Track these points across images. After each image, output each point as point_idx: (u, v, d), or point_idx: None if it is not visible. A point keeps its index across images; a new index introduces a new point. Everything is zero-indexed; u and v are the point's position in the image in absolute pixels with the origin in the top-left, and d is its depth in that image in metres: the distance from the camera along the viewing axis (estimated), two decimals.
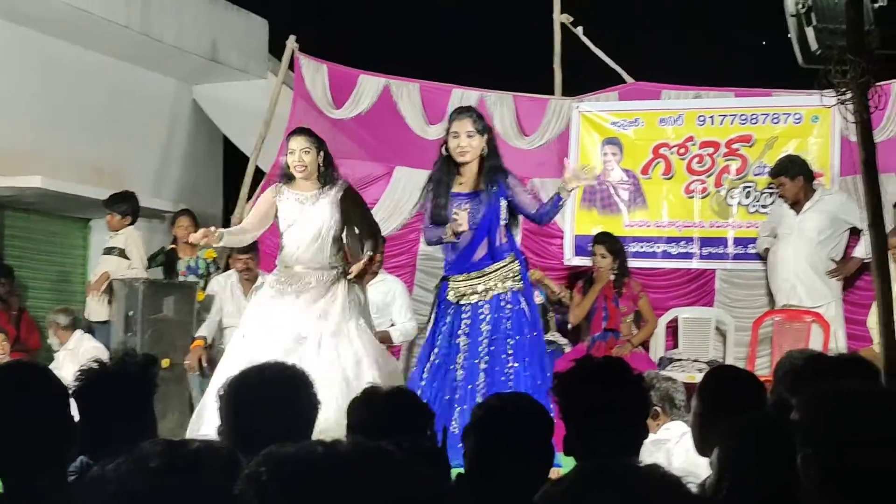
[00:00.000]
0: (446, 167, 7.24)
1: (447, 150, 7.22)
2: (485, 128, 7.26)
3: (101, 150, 11.84)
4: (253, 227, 7.65)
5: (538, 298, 7.44)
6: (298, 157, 7.38)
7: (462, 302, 7.17)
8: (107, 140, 11.90)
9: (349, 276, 7.35)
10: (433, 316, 7.39)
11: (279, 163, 10.91)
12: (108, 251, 10.48)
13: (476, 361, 6.99)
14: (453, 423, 6.68)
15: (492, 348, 7.02)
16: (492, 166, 7.19)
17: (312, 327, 7.20)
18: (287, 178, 7.52)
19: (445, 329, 7.19)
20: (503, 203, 7.17)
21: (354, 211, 7.55)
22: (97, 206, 10.90)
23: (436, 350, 7.19)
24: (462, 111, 7.43)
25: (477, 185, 7.21)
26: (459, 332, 7.16)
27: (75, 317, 9.92)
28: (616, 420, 3.50)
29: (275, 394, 3.44)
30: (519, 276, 7.20)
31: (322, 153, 7.49)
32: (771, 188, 9.78)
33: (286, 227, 7.49)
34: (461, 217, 7.07)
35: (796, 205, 9.42)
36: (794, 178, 9.38)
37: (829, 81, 5.91)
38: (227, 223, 7.71)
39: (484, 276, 7.16)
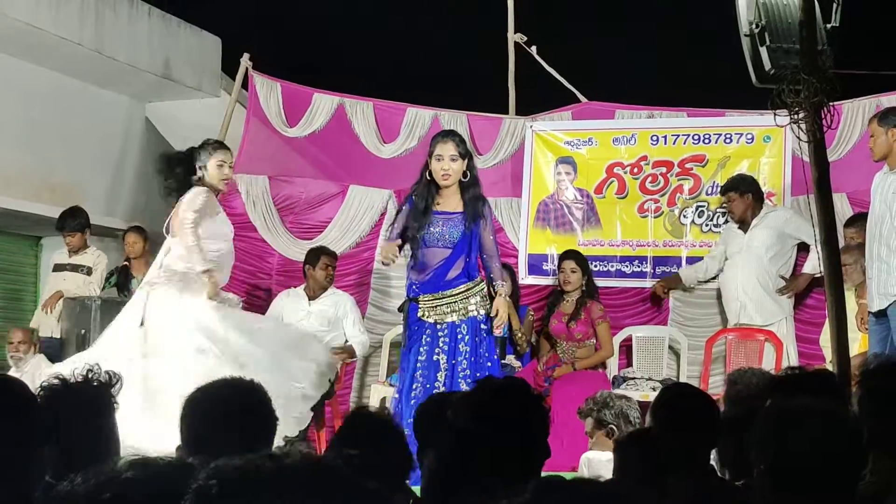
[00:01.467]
0: (426, 189, 7.42)
1: (430, 173, 7.41)
2: (466, 151, 7.51)
3: (53, 168, 11.76)
4: None
5: (498, 332, 7.51)
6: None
7: (438, 322, 7.26)
8: (59, 157, 11.82)
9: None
10: (406, 339, 7.45)
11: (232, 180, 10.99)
12: (64, 268, 10.43)
13: (457, 381, 7.06)
14: None
15: (473, 370, 7.08)
16: (475, 195, 7.42)
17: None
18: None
19: (425, 349, 7.26)
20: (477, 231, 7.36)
21: None
22: (49, 224, 10.83)
23: (418, 374, 7.25)
24: (446, 135, 7.65)
25: (456, 206, 7.40)
26: (437, 349, 7.24)
27: (33, 334, 9.83)
28: (519, 440, 3.43)
29: (232, 408, 3.43)
30: (488, 300, 7.35)
31: None
32: (724, 207, 9.83)
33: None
34: (389, 252, 7.32)
35: (743, 224, 9.51)
36: (743, 194, 9.47)
37: (782, 101, 5.98)
38: None
39: (458, 294, 7.30)
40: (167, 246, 7.83)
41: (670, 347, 9.87)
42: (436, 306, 7.31)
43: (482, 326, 7.29)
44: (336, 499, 1.85)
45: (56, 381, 3.33)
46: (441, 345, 7.25)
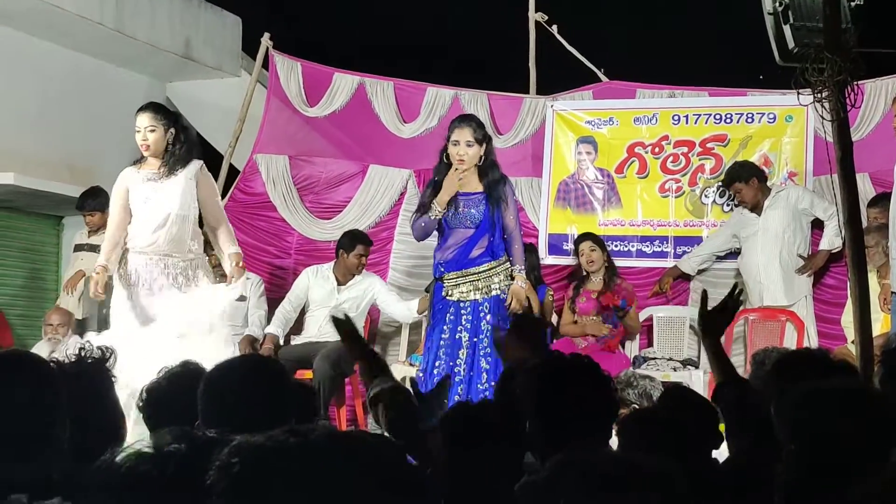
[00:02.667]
0: (445, 172, 7.45)
1: (447, 156, 7.45)
2: (484, 136, 7.50)
3: (74, 148, 11.77)
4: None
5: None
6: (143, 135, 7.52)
7: (461, 300, 7.31)
8: (80, 137, 11.83)
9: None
10: (430, 318, 7.53)
11: (252, 160, 10.98)
12: (82, 248, 10.45)
13: (478, 359, 7.09)
14: None
15: (493, 348, 7.09)
16: (495, 178, 7.45)
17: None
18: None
19: (448, 328, 7.32)
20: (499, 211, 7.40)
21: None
22: (70, 204, 10.84)
23: (441, 351, 7.30)
24: (463, 119, 7.64)
25: (476, 186, 7.44)
26: (460, 327, 7.30)
27: (71, 317, 9.82)
28: (583, 420, 3.45)
29: (252, 386, 3.45)
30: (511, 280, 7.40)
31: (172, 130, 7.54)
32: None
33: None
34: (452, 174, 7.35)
35: (756, 208, 9.47)
36: (748, 181, 9.44)
37: (805, 80, 5.93)
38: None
39: (482, 272, 7.35)
40: None
41: (691, 327, 9.83)
42: (459, 284, 7.36)
43: (505, 305, 7.31)
44: (360, 472, 1.84)
45: (52, 364, 3.31)
46: (464, 322, 7.31)
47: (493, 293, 7.33)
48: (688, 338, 9.72)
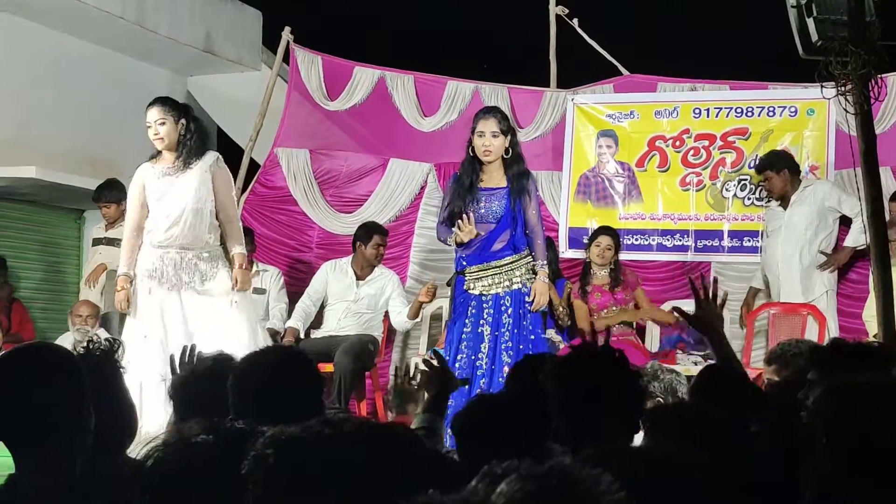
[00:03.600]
0: (470, 167, 7.44)
1: (472, 149, 7.42)
2: (509, 128, 7.48)
3: (95, 141, 11.81)
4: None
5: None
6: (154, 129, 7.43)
7: (483, 293, 7.31)
8: (101, 131, 11.87)
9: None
10: (452, 312, 7.53)
11: (273, 154, 11.00)
12: (100, 242, 10.48)
13: (500, 353, 7.08)
14: None
15: (515, 342, 7.10)
16: (519, 171, 7.43)
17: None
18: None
19: (470, 321, 7.31)
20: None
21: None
22: (90, 197, 10.87)
23: (462, 345, 7.29)
24: (488, 111, 7.62)
25: (499, 181, 7.42)
26: (482, 321, 7.29)
27: (98, 309, 9.83)
28: (612, 413, 3.41)
29: (282, 377, 3.46)
30: (532, 274, 7.38)
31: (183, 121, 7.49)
32: (762, 185, 9.78)
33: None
34: (465, 227, 7.27)
35: (783, 199, 9.44)
36: (779, 171, 9.40)
37: (829, 73, 5.92)
38: None
39: (503, 266, 7.34)
40: None
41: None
42: (480, 277, 7.35)
43: (526, 299, 7.32)
44: (395, 463, 1.85)
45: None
46: (486, 316, 7.30)
47: (515, 287, 7.31)
48: None
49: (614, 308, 9.32)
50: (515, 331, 7.21)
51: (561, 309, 9.54)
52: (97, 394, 3.10)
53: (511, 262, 7.36)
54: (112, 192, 10.40)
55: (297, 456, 1.87)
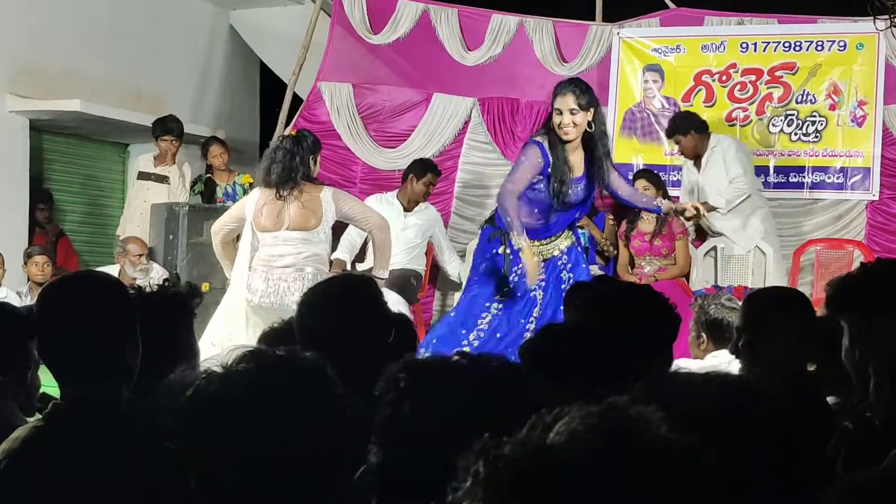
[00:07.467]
0: (558, 147, 6.71)
1: (553, 127, 6.74)
2: (589, 102, 6.73)
3: (139, 75, 11.82)
4: None
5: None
6: None
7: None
8: (145, 65, 11.88)
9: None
10: (474, 272, 7.10)
11: (316, 88, 10.97)
12: (149, 177, 10.53)
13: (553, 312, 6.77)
14: None
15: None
16: (603, 153, 6.80)
17: None
18: None
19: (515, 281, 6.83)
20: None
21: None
22: (136, 131, 10.92)
23: (494, 309, 6.87)
24: (566, 86, 6.78)
25: (579, 167, 6.81)
26: (537, 286, 6.85)
27: (146, 245, 9.82)
28: (644, 345, 3.37)
29: (345, 303, 3.49)
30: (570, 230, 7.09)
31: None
32: (814, 116, 9.72)
33: None
34: (531, 273, 6.67)
35: (697, 159, 9.36)
36: (686, 133, 9.26)
37: (882, 4, 5.84)
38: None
39: (551, 239, 6.95)
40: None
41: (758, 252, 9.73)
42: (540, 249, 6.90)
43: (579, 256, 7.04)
44: (513, 405, 1.85)
45: (132, 291, 3.30)
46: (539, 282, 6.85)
47: (567, 244, 6.99)
48: (753, 267, 9.62)
49: (649, 257, 9.22)
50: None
51: (605, 241, 9.52)
52: (161, 332, 3.10)
53: (556, 238, 6.97)
54: (179, 127, 10.47)
55: (428, 382, 1.94)
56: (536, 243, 6.84)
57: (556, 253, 6.95)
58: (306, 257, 6.90)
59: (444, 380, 1.93)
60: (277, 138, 7.25)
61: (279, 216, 6.87)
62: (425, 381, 1.93)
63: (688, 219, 7.30)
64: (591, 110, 6.72)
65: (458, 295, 9.86)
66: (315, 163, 7.10)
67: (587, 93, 6.75)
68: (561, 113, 6.66)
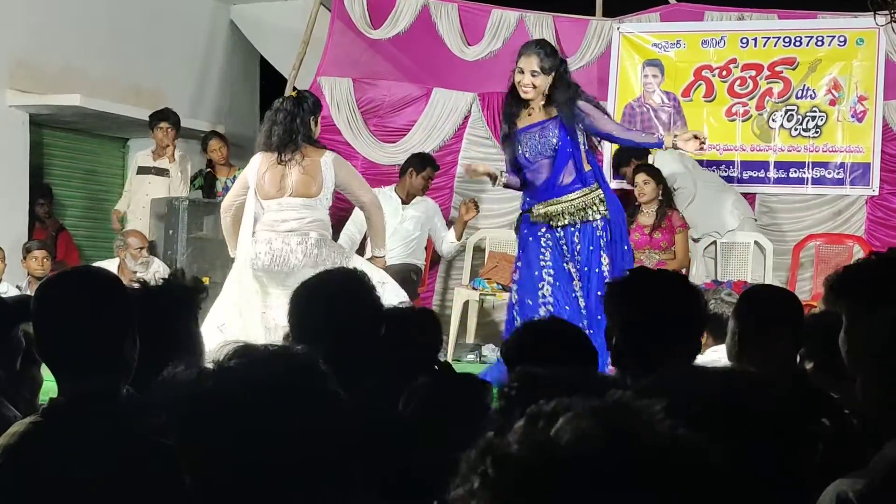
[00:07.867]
0: (514, 100, 7.00)
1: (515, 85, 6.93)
2: (552, 65, 6.86)
3: (139, 70, 11.82)
4: None
5: None
6: None
7: (553, 224, 6.88)
8: (145, 60, 11.87)
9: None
10: (521, 252, 7.09)
11: (316, 83, 10.96)
12: (149, 171, 10.53)
13: (589, 287, 6.76)
14: None
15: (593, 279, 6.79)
16: (566, 98, 6.85)
17: None
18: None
19: (549, 255, 6.88)
20: (579, 128, 6.92)
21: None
22: (136, 126, 10.91)
23: (549, 277, 6.83)
24: (530, 47, 7.02)
25: (549, 113, 6.92)
26: (566, 257, 6.88)
27: (146, 239, 9.81)
28: (674, 332, 3.35)
29: (335, 297, 3.49)
30: (605, 204, 6.93)
31: None
32: (814, 111, 9.72)
33: None
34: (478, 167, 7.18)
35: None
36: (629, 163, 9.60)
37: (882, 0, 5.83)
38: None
39: (575, 200, 6.88)
40: None
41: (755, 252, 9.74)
42: (550, 210, 6.92)
43: (600, 234, 6.91)
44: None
45: (136, 285, 3.29)
46: (564, 251, 6.88)
47: (586, 219, 6.88)
48: (752, 262, 9.62)
49: (648, 250, 9.21)
50: (585, 269, 6.82)
51: None
52: (162, 326, 3.08)
53: (581, 197, 6.89)
54: (175, 118, 10.48)
55: (537, 391, 1.90)
56: (542, 205, 6.93)
57: (566, 222, 6.89)
58: (310, 222, 6.96)
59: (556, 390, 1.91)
60: (278, 101, 7.21)
61: (282, 182, 6.92)
62: (535, 392, 1.87)
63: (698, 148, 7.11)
64: (552, 75, 6.86)
65: (457, 290, 9.90)
66: (316, 124, 7.11)
67: (551, 56, 6.92)
68: (522, 72, 6.86)
